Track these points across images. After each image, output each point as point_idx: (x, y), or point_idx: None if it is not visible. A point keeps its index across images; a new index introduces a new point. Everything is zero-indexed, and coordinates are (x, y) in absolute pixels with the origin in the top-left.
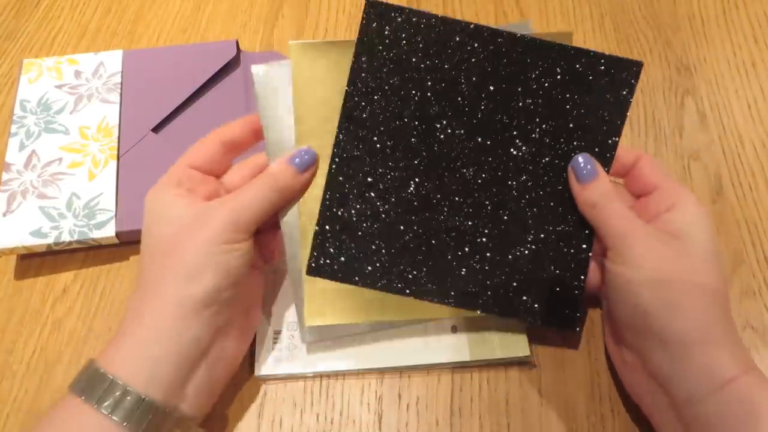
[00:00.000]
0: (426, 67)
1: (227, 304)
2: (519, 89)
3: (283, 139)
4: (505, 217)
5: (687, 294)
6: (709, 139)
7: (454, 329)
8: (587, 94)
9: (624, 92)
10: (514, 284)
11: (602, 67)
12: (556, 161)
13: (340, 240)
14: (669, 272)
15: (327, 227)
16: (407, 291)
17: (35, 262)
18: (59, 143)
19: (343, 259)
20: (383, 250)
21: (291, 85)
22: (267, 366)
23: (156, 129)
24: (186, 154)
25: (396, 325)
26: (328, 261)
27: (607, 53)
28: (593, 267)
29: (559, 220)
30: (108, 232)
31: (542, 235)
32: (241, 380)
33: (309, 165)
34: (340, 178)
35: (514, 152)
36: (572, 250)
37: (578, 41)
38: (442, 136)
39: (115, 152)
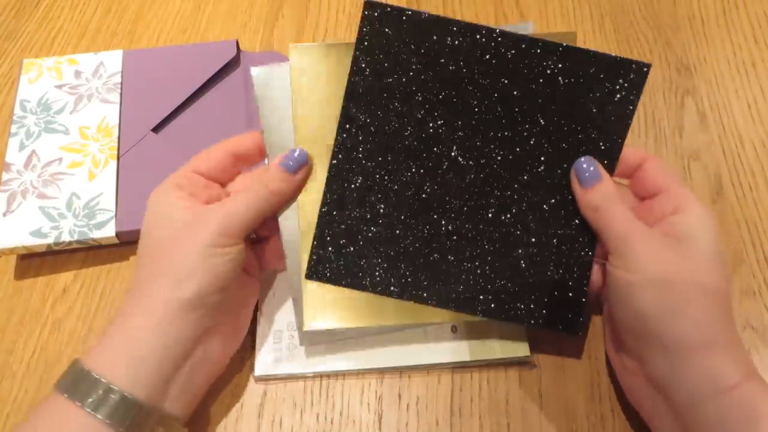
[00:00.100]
0: (426, 68)
1: (215, 307)
2: (522, 90)
3: (283, 141)
4: (507, 221)
5: (688, 297)
6: (709, 139)
7: (454, 330)
8: (592, 96)
9: (630, 94)
10: (516, 288)
11: (609, 69)
12: (559, 163)
13: (339, 244)
14: (670, 275)
15: (326, 231)
16: (406, 295)
17: (35, 262)
18: (59, 143)
19: (342, 263)
20: (382, 254)
21: (290, 87)
22: (267, 366)
23: (156, 129)
24: (193, 159)
25: (394, 329)
26: (326, 265)
27: (613, 54)
28: (596, 270)
29: (561, 224)
30: (108, 232)
31: (544, 239)
32: (241, 380)
33: (300, 166)
34: (340, 181)
35: (516, 154)
36: (574, 254)
37: (578, 42)
38: (442, 138)
39: (115, 152)
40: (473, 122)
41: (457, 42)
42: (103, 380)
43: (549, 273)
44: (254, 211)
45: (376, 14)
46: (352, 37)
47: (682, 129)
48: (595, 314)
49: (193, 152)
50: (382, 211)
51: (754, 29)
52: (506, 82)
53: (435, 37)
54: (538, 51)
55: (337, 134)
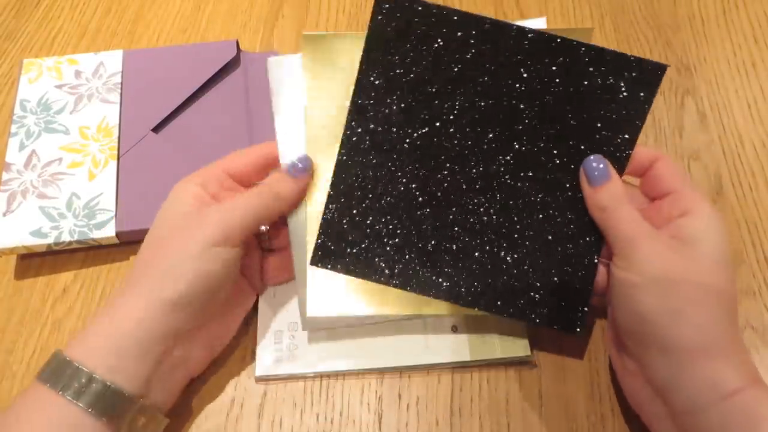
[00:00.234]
0: (437, 61)
1: (202, 309)
2: (533, 86)
3: (294, 129)
4: (513, 217)
5: (690, 300)
6: (709, 139)
7: (455, 329)
8: (606, 94)
9: (645, 94)
10: (519, 285)
11: (624, 68)
12: (569, 161)
13: (345, 233)
14: (673, 278)
15: (333, 218)
16: (409, 287)
17: (35, 262)
18: (59, 143)
19: (347, 252)
20: (387, 245)
21: (303, 76)
22: (267, 366)
23: (156, 129)
24: (225, 158)
25: (396, 318)
26: (331, 253)
27: (629, 54)
28: (602, 271)
29: (568, 222)
30: (108, 232)
31: (550, 237)
32: (241, 380)
33: (303, 172)
34: (347, 171)
35: (526, 150)
36: (580, 254)
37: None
38: (451, 132)
39: (115, 152)
40: (483, 117)
41: (469, 35)
42: (84, 369)
43: (554, 271)
44: (254, 213)
45: (387, 6)
46: None
47: (682, 129)
48: (599, 315)
49: (193, 152)
50: (388, 202)
51: (754, 29)
52: (518, 77)
53: (446, 30)
54: (552, 47)
55: (346, 124)
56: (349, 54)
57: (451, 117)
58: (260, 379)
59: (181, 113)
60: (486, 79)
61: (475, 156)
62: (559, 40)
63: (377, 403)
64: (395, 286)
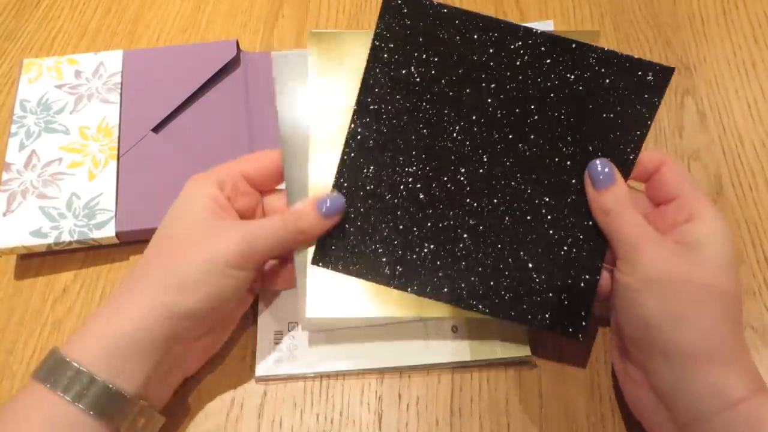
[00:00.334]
0: (444, 61)
1: (207, 319)
2: (539, 88)
3: (298, 126)
4: (517, 219)
5: (694, 305)
6: (709, 139)
7: (455, 329)
8: (612, 97)
9: (651, 98)
10: (522, 288)
11: (630, 70)
12: (574, 164)
13: (347, 232)
14: (676, 282)
15: None
16: (411, 288)
17: (35, 262)
18: (59, 143)
19: (348, 251)
20: (390, 246)
21: (309, 73)
22: (267, 366)
23: (156, 129)
24: (243, 159)
25: (396, 321)
26: (333, 252)
27: (636, 57)
28: (606, 277)
29: (572, 226)
30: (108, 232)
31: (554, 240)
32: (241, 380)
33: (335, 212)
34: (351, 170)
35: (531, 152)
36: (584, 258)
37: None
38: (456, 133)
39: (115, 152)
40: (488, 118)
41: (476, 36)
42: (85, 370)
43: (557, 275)
44: (274, 243)
45: (395, 4)
46: None
47: (682, 129)
48: (601, 319)
49: (193, 152)
50: (392, 202)
51: (754, 29)
52: (524, 78)
53: (454, 30)
54: (559, 49)
55: (351, 123)
56: (356, 53)
57: (457, 118)
58: (260, 379)
59: (181, 113)
60: (492, 80)
61: (479, 157)
62: (566, 42)
63: (377, 403)
64: (396, 287)
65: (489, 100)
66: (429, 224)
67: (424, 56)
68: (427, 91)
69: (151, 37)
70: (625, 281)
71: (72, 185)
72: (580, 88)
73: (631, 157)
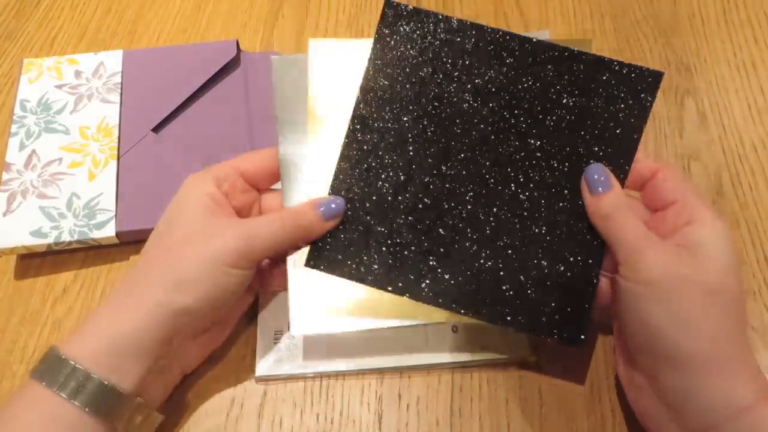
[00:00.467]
0: (442, 69)
1: (206, 317)
2: (534, 95)
3: (296, 129)
4: (513, 226)
5: (699, 305)
6: (709, 139)
7: (455, 330)
8: (605, 103)
9: (643, 102)
10: (519, 294)
11: (622, 76)
12: (570, 170)
13: (341, 235)
14: (680, 284)
15: None
16: (406, 293)
17: (35, 262)
18: (59, 143)
19: (342, 254)
20: (384, 250)
21: (308, 78)
22: (267, 366)
23: (156, 129)
24: (240, 157)
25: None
26: (326, 255)
27: (626, 62)
28: (605, 284)
29: (569, 232)
30: (108, 232)
31: (551, 246)
32: (241, 380)
33: (335, 215)
34: (348, 176)
35: (526, 159)
36: (581, 264)
37: None
38: (453, 141)
39: (115, 152)
40: (485, 126)
41: (474, 44)
42: (81, 367)
43: (554, 281)
44: (273, 242)
45: (395, 14)
46: (352, 37)
47: (682, 129)
48: (601, 321)
49: (193, 152)
50: (387, 208)
51: (754, 29)
52: (520, 86)
53: (452, 39)
54: (553, 56)
55: (349, 127)
56: (355, 61)
57: (455, 125)
58: (260, 379)
59: (181, 113)
60: (489, 87)
61: (476, 164)
62: (559, 49)
63: (377, 403)
64: (390, 291)
65: (484, 108)
66: (426, 230)
67: (421, 65)
68: (424, 99)
69: (151, 37)
70: (628, 286)
71: (72, 185)
72: (574, 94)
73: (627, 161)
